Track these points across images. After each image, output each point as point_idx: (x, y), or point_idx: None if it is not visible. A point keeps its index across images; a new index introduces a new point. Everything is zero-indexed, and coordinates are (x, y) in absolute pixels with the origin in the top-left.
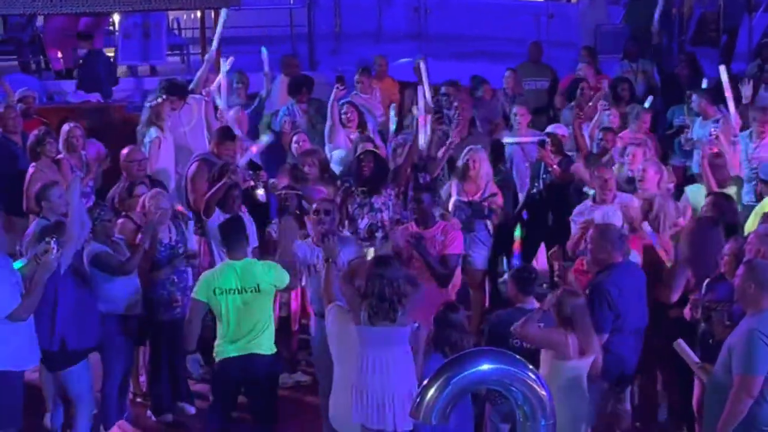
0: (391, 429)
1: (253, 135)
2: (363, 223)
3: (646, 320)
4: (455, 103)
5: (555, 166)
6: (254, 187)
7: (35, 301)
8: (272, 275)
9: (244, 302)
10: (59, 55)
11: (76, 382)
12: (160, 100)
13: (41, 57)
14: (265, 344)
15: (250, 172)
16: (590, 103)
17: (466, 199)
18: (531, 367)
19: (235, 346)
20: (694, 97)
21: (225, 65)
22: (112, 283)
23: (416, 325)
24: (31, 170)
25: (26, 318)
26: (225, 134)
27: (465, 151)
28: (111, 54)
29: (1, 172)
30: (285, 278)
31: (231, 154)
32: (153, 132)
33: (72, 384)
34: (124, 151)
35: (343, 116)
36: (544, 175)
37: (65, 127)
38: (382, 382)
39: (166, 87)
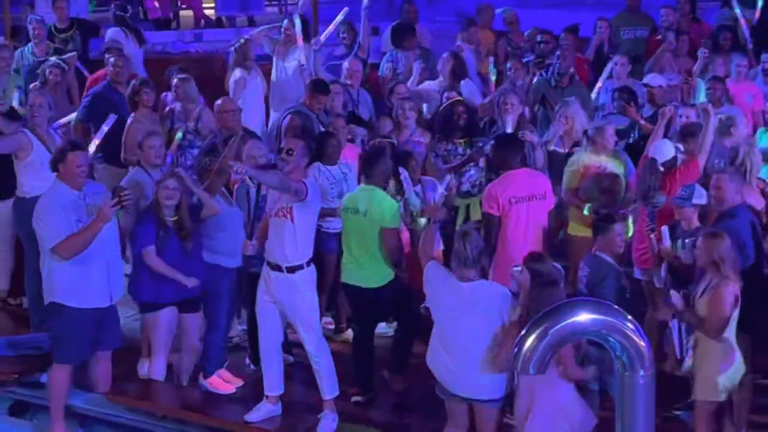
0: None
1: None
2: (468, 176)
3: None
4: (557, 52)
5: (642, 121)
6: (351, 140)
7: (79, 245)
8: None
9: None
10: (156, 4)
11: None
12: (242, 41)
13: (139, 7)
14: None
15: (352, 126)
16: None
17: (562, 151)
18: (629, 317)
19: None
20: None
21: (340, 15)
22: (222, 234)
23: (519, 268)
24: (129, 120)
25: (66, 257)
26: (318, 86)
27: (558, 105)
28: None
29: (97, 121)
30: None
31: (323, 107)
32: (238, 72)
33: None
34: (218, 101)
35: None
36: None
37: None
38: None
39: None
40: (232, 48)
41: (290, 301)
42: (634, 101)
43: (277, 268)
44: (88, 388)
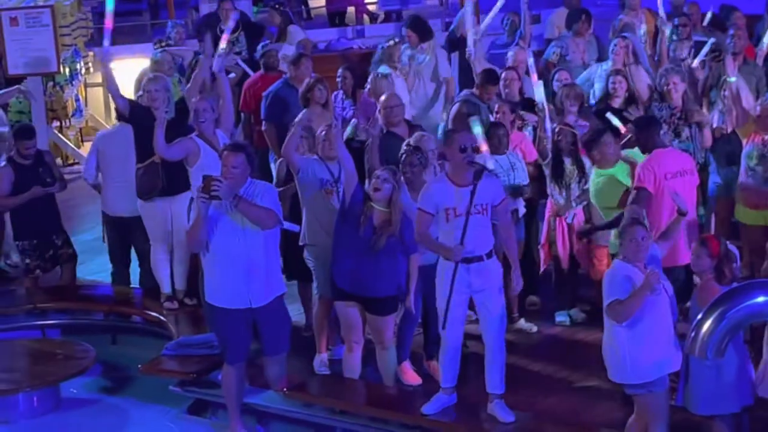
0: None
1: None
2: None
3: None
4: (731, 31)
5: None
6: (521, 128)
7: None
8: None
9: None
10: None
11: None
12: (392, 42)
13: (302, 7)
14: None
15: (522, 112)
16: None
17: (726, 129)
18: None
19: None
20: None
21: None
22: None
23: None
24: (297, 118)
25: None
26: (488, 76)
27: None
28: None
29: (278, 119)
30: None
31: (492, 97)
32: (384, 69)
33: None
34: (382, 97)
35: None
36: None
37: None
38: None
39: (410, 21)
40: (380, 46)
41: (486, 288)
42: None
43: (476, 259)
44: (265, 385)
